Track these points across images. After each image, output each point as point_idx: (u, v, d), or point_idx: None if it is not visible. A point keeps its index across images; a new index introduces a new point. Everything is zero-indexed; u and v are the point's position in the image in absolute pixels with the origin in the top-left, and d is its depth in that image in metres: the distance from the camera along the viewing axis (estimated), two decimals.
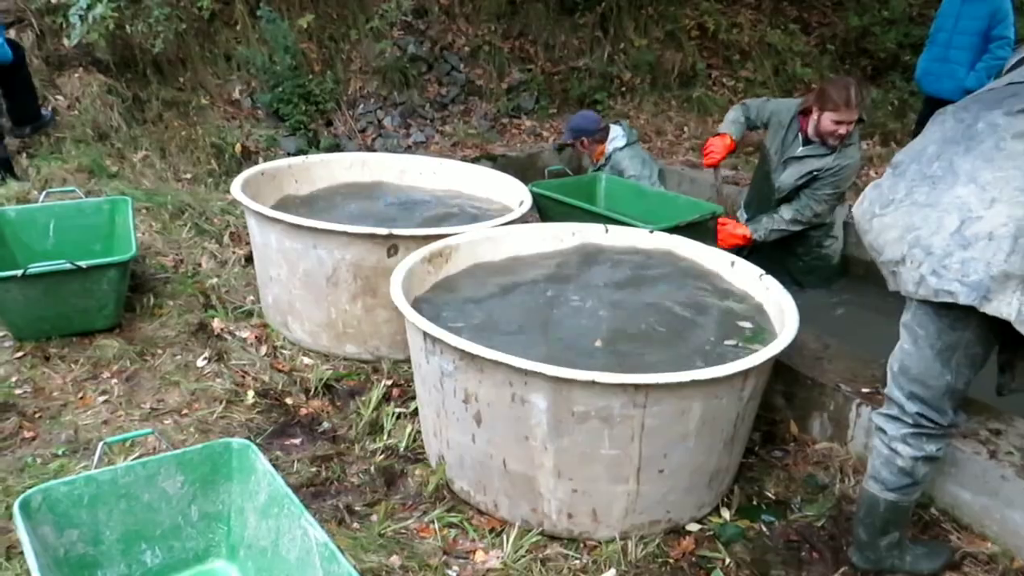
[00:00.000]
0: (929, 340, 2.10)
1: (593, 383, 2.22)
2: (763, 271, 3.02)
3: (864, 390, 2.89)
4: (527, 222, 3.57)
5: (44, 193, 4.09)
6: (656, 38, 8.27)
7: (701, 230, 3.82)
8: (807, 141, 4.02)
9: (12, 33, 5.49)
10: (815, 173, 4.00)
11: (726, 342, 2.65)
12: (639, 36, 8.23)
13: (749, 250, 4.14)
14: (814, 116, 3.94)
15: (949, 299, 1.95)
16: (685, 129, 7.58)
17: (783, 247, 4.26)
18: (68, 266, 3.24)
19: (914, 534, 2.52)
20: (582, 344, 2.59)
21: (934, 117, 2.19)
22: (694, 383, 2.27)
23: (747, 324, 2.78)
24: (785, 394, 3.10)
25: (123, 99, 5.81)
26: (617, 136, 4.83)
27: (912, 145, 2.19)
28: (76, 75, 5.71)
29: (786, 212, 4.12)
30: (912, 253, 2.00)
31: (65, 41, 5.68)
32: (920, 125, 5.58)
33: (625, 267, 3.25)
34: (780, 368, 2.99)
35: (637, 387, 2.24)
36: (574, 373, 2.23)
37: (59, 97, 5.61)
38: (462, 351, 2.37)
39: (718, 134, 4.18)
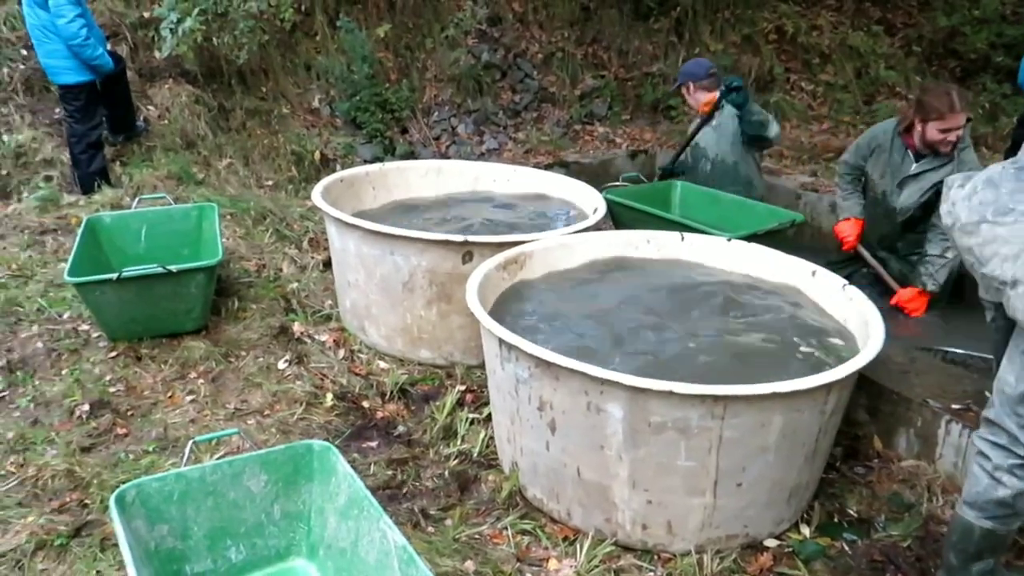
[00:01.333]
0: None
1: (670, 393, 2.20)
2: (845, 281, 2.94)
3: (954, 406, 2.78)
4: (601, 229, 3.57)
5: (137, 200, 4.29)
6: (732, 42, 8.15)
7: (780, 239, 3.73)
8: (919, 156, 3.83)
9: (108, 46, 5.75)
10: (938, 187, 3.80)
11: (806, 353, 2.58)
12: (715, 41, 8.12)
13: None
14: (918, 129, 3.75)
15: None
16: None
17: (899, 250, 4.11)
18: (160, 270, 3.38)
19: (1009, 560, 2.40)
20: (659, 353, 2.56)
21: None
22: (775, 395, 2.22)
23: (830, 336, 2.70)
24: (869, 408, 3.01)
25: (209, 108, 6.04)
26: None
27: None
28: (166, 86, 5.98)
29: (935, 247, 3.84)
30: None
31: (156, 53, 5.96)
32: (1023, 128, 5.32)
33: (702, 276, 3.22)
34: (864, 381, 2.90)
35: (716, 398, 2.20)
36: (651, 383, 2.21)
37: (150, 107, 5.88)
38: (538, 358, 2.37)
39: (841, 219, 4.08)
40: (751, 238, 3.44)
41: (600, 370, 2.25)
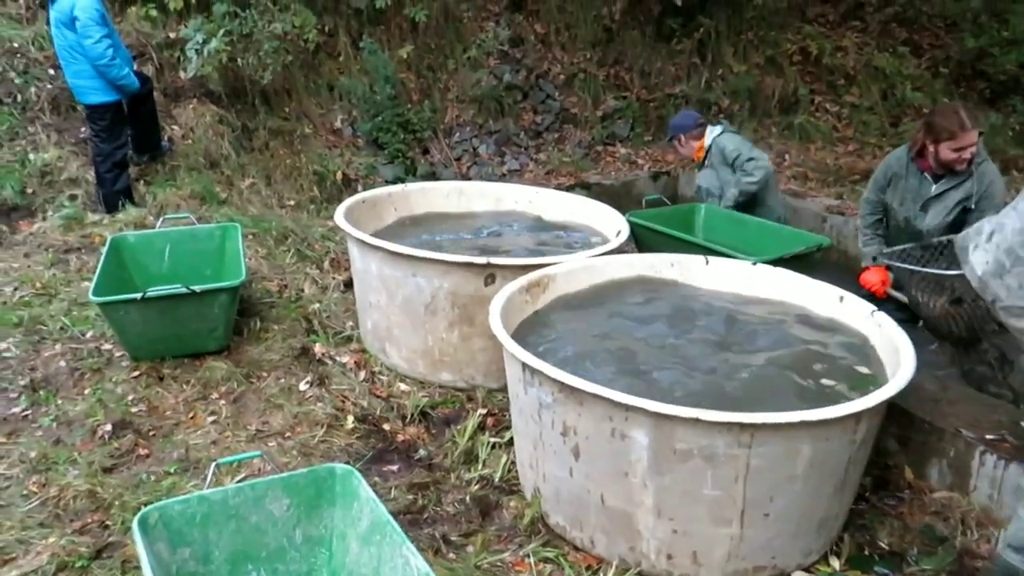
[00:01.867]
0: None
1: (696, 420, 2.19)
2: (875, 307, 2.91)
3: (988, 437, 2.74)
4: (624, 252, 3.59)
5: (160, 219, 4.34)
6: (756, 63, 8.16)
7: (807, 263, 3.72)
8: (937, 177, 3.78)
9: (135, 66, 5.85)
10: (963, 204, 3.77)
11: (834, 382, 2.56)
12: (738, 62, 8.13)
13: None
14: (931, 151, 3.71)
15: None
16: (786, 157, 7.41)
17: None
18: (183, 290, 3.40)
19: None
20: (684, 379, 2.55)
21: None
22: (803, 424, 2.20)
23: (859, 364, 2.68)
24: (899, 438, 2.97)
25: (233, 128, 6.11)
26: (714, 129, 4.87)
27: None
28: (191, 106, 6.05)
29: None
30: None
31: (181, 74, 6.04)
32: None
33: (727, 301, 3.21)
34: (894, 410, 2.86)
35: (743, 426, 2.19)
36: (677, 409, 2.20)
37: (175, 127, 5.95)
38: (561, 383, 2.37)
39: (865, 268, 3.97)
40: (777, 262, 3.43)
41: (625, 396, 2.25)
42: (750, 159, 4.57)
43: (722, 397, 2.45)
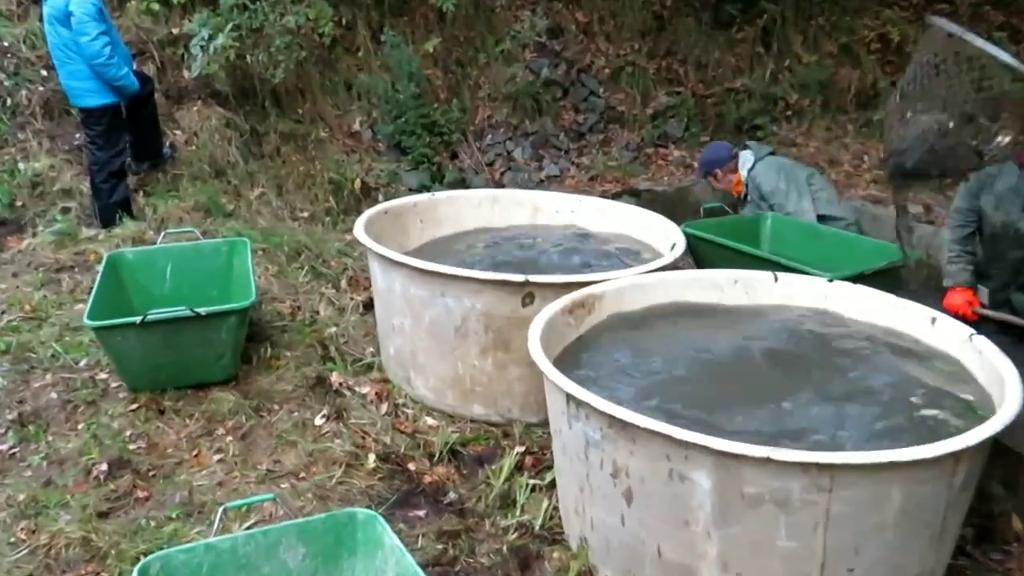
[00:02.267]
0: None
1: (768, 460, 2.16)
2: (973, 331, 2.85)
3: None
4: (680, 268, 3.58)
5: (162, 234, 4.39)
6: (828, 53, 8.06)
7: (890, 279, 3.67)
8: None
9: (135, 65, 5.97)
10: None
11: (929, 415, 2.51)
12: (808, 51, 8.04)
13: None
14: None
15: None
16: (865, 158, 7.30)
17: None
18: (187, 313, 3.42)
19: None
20: (753, 414, 2.52)
21: None
22: (892, 465, 2.17)
23: (956, 396, 2.63)
24: (1005, 482, 2.91)
25: (241, 133, 6.18)
26: (746, 159, 4.86)
27: None
28: (195, 108, 6.13)
29: None
30: None
31: (185, 73, 6.14)
32: None
33: (799, 322, 3.17)
34: (1000, 449, 2.75)
35: (821, 467, 2.16)
36: (745, 448, 2.18)
37: (177, 132, 6.02)
38: (611, 417, 2.36)
39: (948, 289, 3.88)
40: (857, 279, 3.39)
41: (684, 432, 2.23)
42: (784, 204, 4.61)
43: (796, 433, 2.42)
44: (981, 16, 8.54)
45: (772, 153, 4.99)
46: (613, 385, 2.69)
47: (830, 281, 3.30)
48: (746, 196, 4.85)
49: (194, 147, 5.92)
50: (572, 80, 7.60)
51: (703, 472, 2.25)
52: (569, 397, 2.49)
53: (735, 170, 4.86)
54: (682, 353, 2.92)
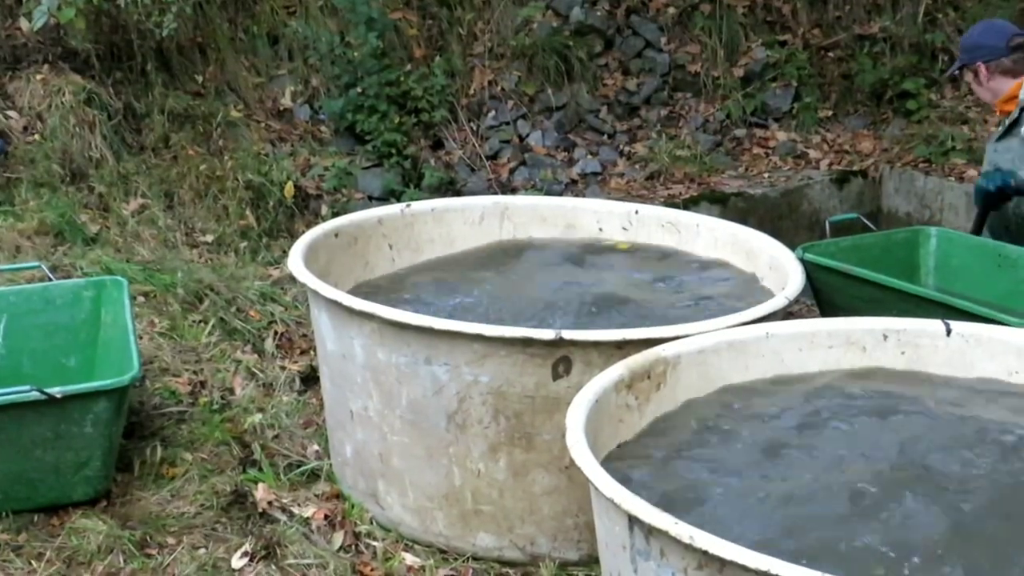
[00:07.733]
0: None
1: None
2: None
3: None
4: (795, 316, 3.21)
5: None
6: None
7: None
8: None
9: None
10: None
11: None
12: None
13: None
14: None
15: None
16: None
17: None
18: (34, 395, 2.80)
19: None
20: (915, 540, 2.04)
21: None
22: None
23: None
24: None
25: (110, 114, 5.26)
26: None
27: None
28: (39, 76, 5.19)
29: None
30: None
31: (23, 24, 5.21)
32: None
33: (989, 399, 2.61)
34: None
35: None
36: None
37: (11, 114, 5.18)
38: (703, 552, 1.92)
39: None
40: None
41: (808, 572, 1.79)
42: None
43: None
44: None
45: None
46: (701, 500, 2.22)
47: None
48: (1016, 122, 3.78)
49: (38, 137, 5.07)
50: (619, 25, 6.61)
51: None
52: (633, 520, 2.05)
53: (1016, 73, 3.75)
54: (809, 447, 2.39)
